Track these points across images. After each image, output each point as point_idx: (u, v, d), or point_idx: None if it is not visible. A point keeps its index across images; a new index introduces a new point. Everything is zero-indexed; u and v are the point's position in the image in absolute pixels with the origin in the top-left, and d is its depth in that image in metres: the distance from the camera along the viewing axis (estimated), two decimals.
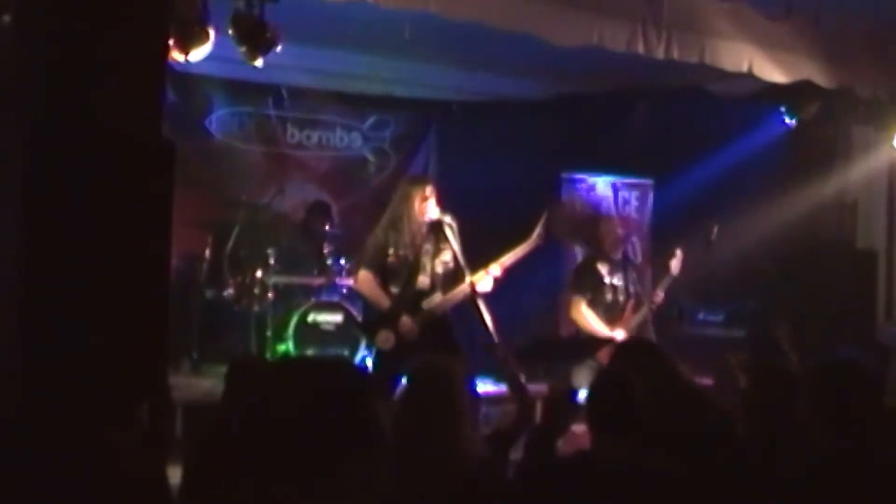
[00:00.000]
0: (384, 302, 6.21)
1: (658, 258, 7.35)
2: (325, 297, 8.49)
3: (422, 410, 3.27)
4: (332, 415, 1.62)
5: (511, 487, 3.13)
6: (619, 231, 7.30)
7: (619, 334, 6.83)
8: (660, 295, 7.10)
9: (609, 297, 7.02)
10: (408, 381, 3.48)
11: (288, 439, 1.61)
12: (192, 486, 3.22)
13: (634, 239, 10.10)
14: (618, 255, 7.18)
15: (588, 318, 7.01)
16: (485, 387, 7.54)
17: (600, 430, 3.46)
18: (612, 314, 6.96)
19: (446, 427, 3.23)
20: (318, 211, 9.30)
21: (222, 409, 3.60)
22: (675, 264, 7.04)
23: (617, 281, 7.03)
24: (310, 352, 8.15)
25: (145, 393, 3.35)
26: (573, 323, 7.26)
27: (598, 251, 7.26)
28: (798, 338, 8.35)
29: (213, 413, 3.68)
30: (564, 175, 10.03)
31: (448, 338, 6.13)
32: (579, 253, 10.00)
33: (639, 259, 8.03)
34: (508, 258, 6.21)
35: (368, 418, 1.64)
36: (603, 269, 7.07)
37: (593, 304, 7.03)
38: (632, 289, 7.09)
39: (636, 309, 7.03)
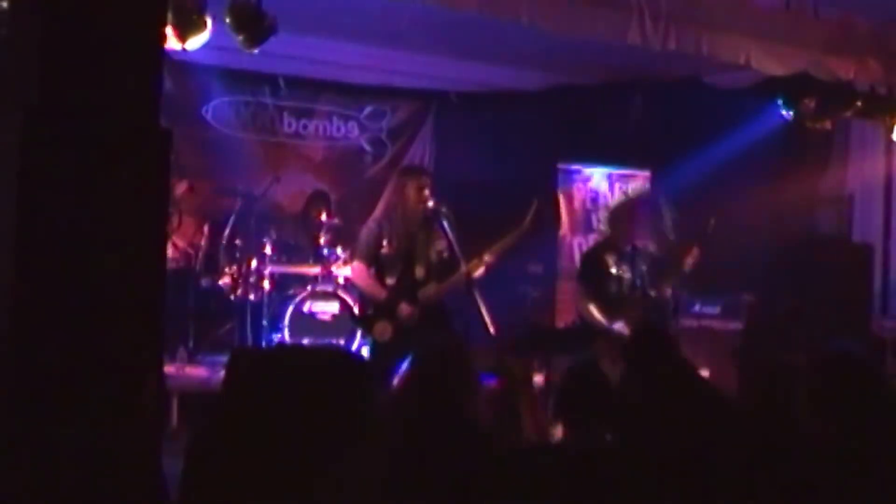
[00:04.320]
0: (380, 293, 6.20)
1: (671, 253, 7.15)
2: (321, 287, 8.48)
3: (426, 391, 3.29)
4: (331, 407, 1.61)
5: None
6: (633, 222, 7.06)
7: (620, 327, 6.75)
8: (668, 291, 6.99)
9: (614, 288, 6.87)
10: (411, 364, 3.50)
11: (285, 433, 1.60)
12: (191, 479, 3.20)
13: None
14: (628, 246, 6.98)
15: (589, 308, 6.92)
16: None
17: (570, 419, 3.52)
18: (616, 306, 6.82)
19: (452, 406, 3.25)
20: (319, 201, 9.28)
21: (221, 400, 3.58)
22: (690, 261, 6.91)
23: (624, 273, 6.87)
24: (305, 342, 8.15)
25: (142, 383, 3.34)
26: (577, 311, 7.19)
27: (606, 240, 7.16)
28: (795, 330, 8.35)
29: (212, 404, 3.66)
30: (561, 166, 10.03)
31: (445, 328, 6.13)
32: (575, 243, 10.03)
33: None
34: (501, 245, 6.20)
35: (369, 411, 1.63)
36: (609, 259, 6.92)
37: (597, 295, 6.90)
38: (639, 282, 6.92)
39: (642, 302, 6.90)
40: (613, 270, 6.89)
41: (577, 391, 3.59)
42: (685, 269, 6.96)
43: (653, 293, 6.95)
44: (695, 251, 6.92)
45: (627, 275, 6.89)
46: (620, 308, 6.83)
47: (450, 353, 3.53)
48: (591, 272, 7.05)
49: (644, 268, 6.95)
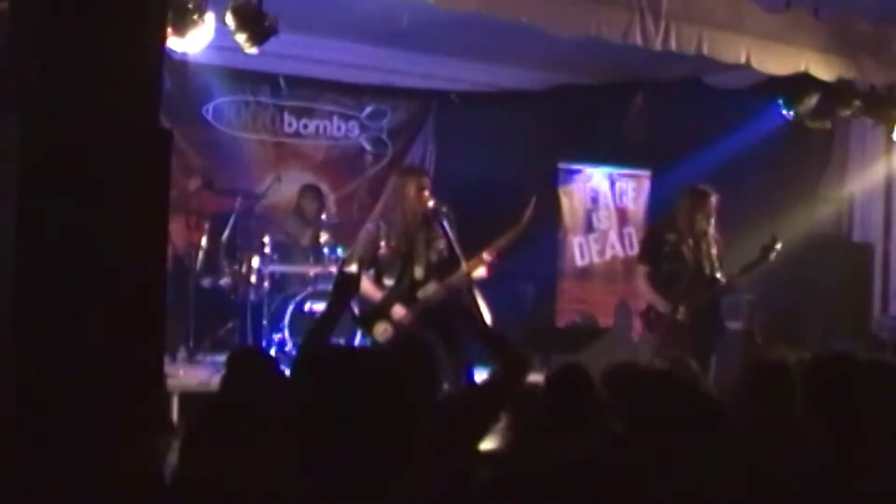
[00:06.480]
0: (375, 294, 6.21)
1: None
2: (321, 287, 8.47)
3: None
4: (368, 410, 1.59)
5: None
6: (699, 204, 6.62)
7: (682, 314, 6.43)
8: (742, 279, 6.66)
9: (669, 268, 6.54)
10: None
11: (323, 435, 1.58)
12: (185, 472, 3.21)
13: (630, 230, 10.12)
14: (694, 227, 6.57)
15: (645, 289, 6.64)
16: (482, 376, 7.54)
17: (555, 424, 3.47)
18: (673, 287, 6.50)
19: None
20: (310, 194, 9.27)
21: (221, 395, 3.58)
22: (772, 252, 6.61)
23: (686, 253, 6.51)
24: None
25: (143, 383, 3.34)
26: (640, 295, 6.86)
27: (670, 220, 6.76)
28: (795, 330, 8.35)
29: (211, 399, 3.66)
30: (561, 166, 10.04)
31: (446, 327, 6.12)
32: (575, 243, 10.03)
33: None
34: (499, 243, 6.19)
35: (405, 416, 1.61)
36: (668, 237, 6.57)
37: (654, 276, 6.58)
38: (706, 266, 6.55)
39: (707, 287, 6.55)
40: (668, 249, 6.56)
41: (562, 398, 3.56)
42: (770, 258, 6.60)
43: (722, 278, 6.58)
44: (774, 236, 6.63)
45: (689, 256, 6.54)
46: (679, 291, 6.51)
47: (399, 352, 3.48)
48: (649, 251, 6.77)
49: (714, 251, 6.61)
